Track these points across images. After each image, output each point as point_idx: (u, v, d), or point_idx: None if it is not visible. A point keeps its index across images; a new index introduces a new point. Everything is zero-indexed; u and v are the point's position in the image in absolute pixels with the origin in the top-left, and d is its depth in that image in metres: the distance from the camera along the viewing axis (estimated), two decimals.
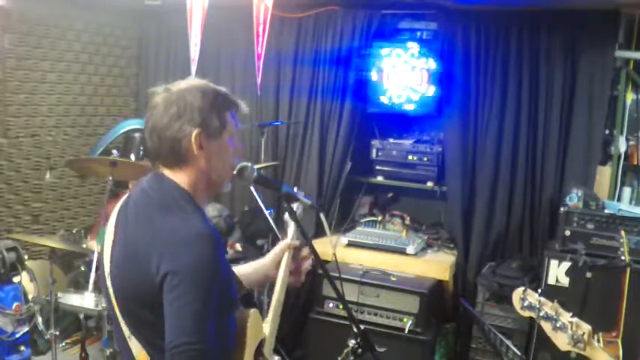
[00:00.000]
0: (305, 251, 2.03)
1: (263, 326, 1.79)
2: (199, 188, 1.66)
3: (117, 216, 1.67)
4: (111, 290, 1.60)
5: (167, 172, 1.65)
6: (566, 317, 1.81)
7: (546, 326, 1.86)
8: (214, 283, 1.49)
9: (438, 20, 4.14)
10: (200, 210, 1.64)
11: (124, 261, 1.57)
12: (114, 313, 1.61)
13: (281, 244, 2.03)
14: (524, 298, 1.94)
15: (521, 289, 1.96)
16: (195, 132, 1.60)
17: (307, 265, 2.05)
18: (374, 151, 4.37)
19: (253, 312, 1.67)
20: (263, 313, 1.84)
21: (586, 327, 1.76)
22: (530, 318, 3.34)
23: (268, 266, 2.02)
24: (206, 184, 1.67)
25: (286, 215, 2.09)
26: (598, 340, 1.84)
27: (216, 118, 1.64)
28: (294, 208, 2.05)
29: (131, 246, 1.56)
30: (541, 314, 1.87)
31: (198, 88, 1.65)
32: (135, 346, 1.57)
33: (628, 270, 2.80)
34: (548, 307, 1.86)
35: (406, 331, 3.56)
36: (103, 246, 1.66)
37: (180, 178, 1.63)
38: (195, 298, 1.44)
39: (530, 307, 1.91)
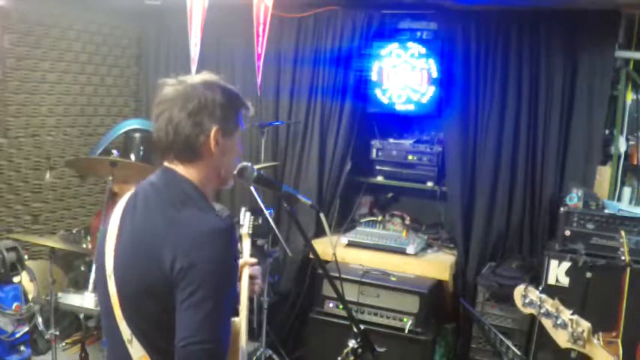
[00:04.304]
0: (256, 268, 2.01)
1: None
2: (208, 184, 1.66)
3: (122, 212, 1.64)
4: (112, 289, 1.57)
5: (177, 167, 1.63)
6: (566, 314, 1.81)
7: (547, 323, 1.87)
8: (228, 281, 1.49)
9: (438, 20, 4.14)
10: (211, 206, 1.65)
11: (134, 255, 1.55)
12: (111, 315, 1.57)
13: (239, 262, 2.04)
14: (525, 296, 1.95)
15: (523, 286, 1.97)
16: (214, 128, 1.59)
17: (259, 279, 2.01)
18: (374, 151, 4.37)
19: (239, 321, 1.68)
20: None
21: (586, 324, 1.77)
22: (531, 316, 3.38)
23: None
24: (215, 179, 1.67)
25: (242, 230, 2.17)
26: (598, 340, 1.84)
27: (233, 116, 1.64)
28: (241, 221, 2.15)
29: (141, 239, 1.54)
30: (542, 311, 1.88)
31: (218, 84, 1.63)
32: (136, 350, 1.53)
33: (628, 270, 2.80)
34: (549, 304, 1.87)
35: (406, 331, 3.56)
36: (104, 244, 1.64)
37: (190, 172, 1.62)
38: (211, 296, 1.43)
39: (532, 304, 1.92)
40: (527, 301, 1.94)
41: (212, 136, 1.59)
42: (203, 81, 1.62)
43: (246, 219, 2.18)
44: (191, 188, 1.61)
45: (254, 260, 2.01)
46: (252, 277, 1.97)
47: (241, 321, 1.82)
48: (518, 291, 1.97)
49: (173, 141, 1.60)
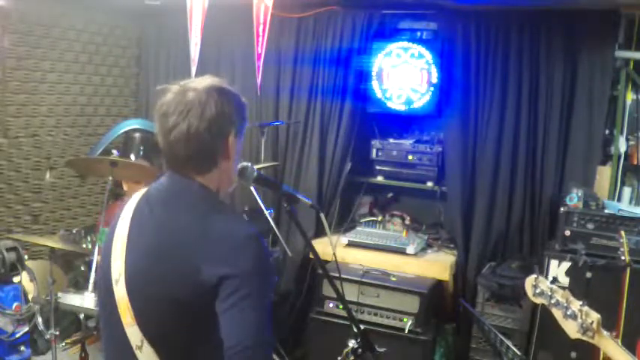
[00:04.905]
0: None
1: None
2: (221, 188, 1.64)
3: (132, 216, 1.60)
4: (121, 294, 1.53)
5: (191, 174, 1.58)
6: (576, 305, 1.81)
7: (557, 313, 1.86)
8: (270, 285, 1.51)
9: (438, 20, 4.14)
10: (233, 209, 1.65)
11: (155, 261, 1.51)
12: (115, 321, 1.54)
13: None
14: (536, 286, 1.95)
15: (534, 276, 1.97)
16: (232, 132, 1.58)
17: None
18: (374, 151, 4.37)
19: None
20: None
21: (595, 316, 1.77)
22: (532, 317, 3.38)
23: None
24: (227, 183, 1.66)
25: None
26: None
27: (243, 118, 1.63)
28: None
29: (165, 245, 1.51)
30: (552, 301, 1.88)
31: (226, 87, 1.60)
32: (146, 356, 1.50)
33: (628, 270, 2.81)
34: (559, 294, 1.87)
35: (406, 331, 3.56)
36: (109, 249, 1.60)
37: (206, 180, 1.59)
38: (257, 302, 1.44)
39: (542, 295, 1.92)
40: (537, 291, 1.94)
41: (230, 141, 1.58)
42: (211, 86, 1.56)
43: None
44: (210, 194, 1.59)
45: None
46: None
47: None
48: (529, 281, 1.98)
49: (194, 152, 1.54)
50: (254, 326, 1.43)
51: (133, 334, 1.51)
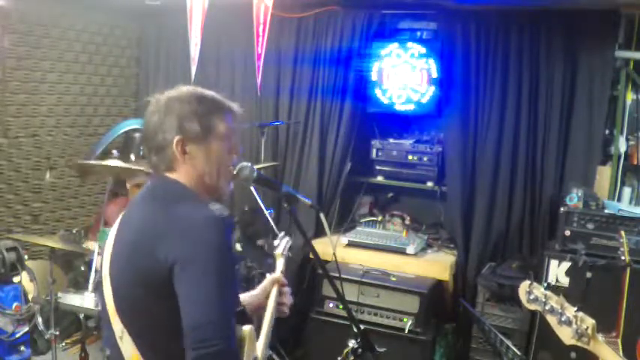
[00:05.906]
0: (286, 289, 2.11)
1: (256, 346, 1.80)
2: (198, 191, 1.68)
3: (122, 217, 1.72)
4: (107, 288, 1.63)
5: (164, 173, 1.69)
6: (570, 311, 1.81)
7: (552, 320, 1.86)
8: (226, 268, 1.52)
9: (438, 20, 4.14)
10: (205, 202, 1.69)
11: (128, 252, 1.60)
12: (105, 313, 1.63)
13: (270, 278, 2.10)
14: (530, 292, 1.94)
15: (527, 282, 1.97)
16: (175, 139, 1.64)
17: (287, 300, 2.09)
18: (374, 151, 4.37)
19: (249, 329, 1.68)
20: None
21: (590, 321, 1.76)
22: (531, 317, 3.38)
23: (259, 297, 2.07)
24: (202, 187, 1.69)
25: (276, 250, 2.28)
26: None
27: (196, 124, 1.65)
28: (277, 243, 2.30)
29: (136, 237, 1.59)
30: (546, 308, 1.88)
31: (179, 96, 1.69)
32: (126, 347, 1.57)
33: (628, 270, 2.80)
34: (554, 300, 1.87)
35: (406, 331, 3.56)
36: (104, 245, 1.71)
37: (176, 177, 1.68)
38: (209, 283, 1.46)
39: (536, 301, 1.92)
40: (531, 298, 1.93)
41: (174, 147, 1.64)
42: (172, 95, 1.70)
43: (282, 241, 2.32)
44: (182, 187, 1.66)
45: (284, 280, 2.08)
46: (281, 297, 2.04)
47: (262, 334, 1.86)
48: (523, 287, 1.97)
49: (149, 154, 1.69)
50: (204, 308, 1.44)
51: (116, 325, 1.59)
